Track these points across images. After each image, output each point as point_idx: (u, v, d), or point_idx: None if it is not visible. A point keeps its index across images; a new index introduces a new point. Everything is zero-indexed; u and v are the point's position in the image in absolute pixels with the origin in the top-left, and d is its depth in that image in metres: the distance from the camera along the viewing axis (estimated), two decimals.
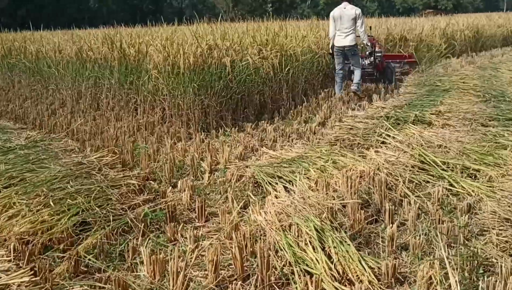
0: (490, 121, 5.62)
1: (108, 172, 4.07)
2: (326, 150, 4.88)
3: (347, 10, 7.70)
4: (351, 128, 5.85)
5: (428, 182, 3.93)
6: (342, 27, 7.70)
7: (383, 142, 5.18)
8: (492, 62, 11.92)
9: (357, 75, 7.95)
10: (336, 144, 5.34)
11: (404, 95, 7.95)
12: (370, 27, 9.53)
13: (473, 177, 4.01)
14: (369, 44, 8.41)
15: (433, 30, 12.96)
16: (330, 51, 8.15)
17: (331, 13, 7.88)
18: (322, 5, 76.59)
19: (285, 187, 3.93)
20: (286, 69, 7.47)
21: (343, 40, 7.73)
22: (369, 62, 8.94)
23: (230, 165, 4.78)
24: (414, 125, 5.65)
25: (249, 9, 62.53)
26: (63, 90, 8.65)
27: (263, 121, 6.73)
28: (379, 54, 8.98)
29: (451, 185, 3.83)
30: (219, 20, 9.28)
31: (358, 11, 7.68)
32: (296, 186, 3.85)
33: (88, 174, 3.85)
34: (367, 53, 8.86)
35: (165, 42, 6.92)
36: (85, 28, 18.73)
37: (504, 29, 17.55)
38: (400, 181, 3.83)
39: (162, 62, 6.43)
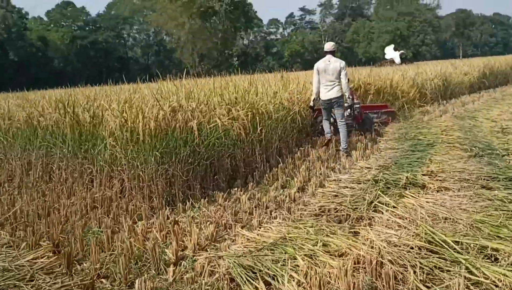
0: (490, 182, 5.03)
1: (43, 279, 3.20)
2: (312, 227, 4.16)
3: (331, 63, 7.72)
4: (336, 195, 5.18)
5: (441, 269, 3.23)
6: (327, 80, 7.72)
7: (375, 211, 4.53)
8: (466, 110, 11.68)
9: (343, 134, 7.75)
10: (322, 216, 4.64)
11: (386, 151, 7.40)
12: (349, 79, 9.15)
13: (493, 259, 3.34)
14: (350, 96, 8.32)
15: (403, 80, 12.72)
16: (311, 104, 8.23)
17: (316, 66, 7.88)
18: (287, 57, 78.45)
19: (269, 284, 3.17)
20: (259, 129, 6.82)
21: (329, 92, 7.73)
22: (348, 114, 8.63)
23: (200, 251, 3.99)
24: (406, 189, 5.03)
25: (215, 64, 63.11)
26: (12, 160, 7.77)
27: (236, 189, 6.02)
28: (358, 106, 8.90)
29: (470, 271, 3.14)
30: (183, 76, 8.71)
31: (343, 63, 7.73)
32: (283, 283, 3.09)
33: (15, 287, 3.00)
34: (346, 105, 8.46)
35: (123, 105, 6.21)
36: (46, 88, 18.00)
37: (471, 76, 17.64)
38: (409, 271, 3.12)
39: (119, 128, 5.70)
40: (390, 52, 16.78)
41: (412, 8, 74.05)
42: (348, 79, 8.82)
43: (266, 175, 6.65)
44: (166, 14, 62.08)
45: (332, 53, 7.85)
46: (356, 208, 4.71)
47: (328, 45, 7.99)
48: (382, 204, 4.64)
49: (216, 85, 8.15)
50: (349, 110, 8.62)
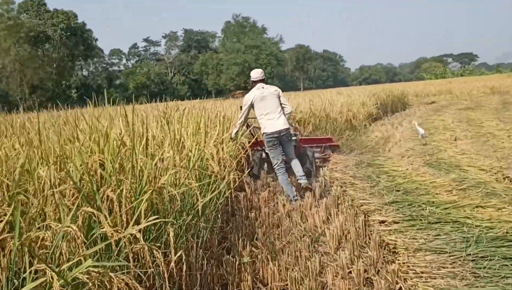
0: None
1: None
2: None
3: (266, 89, 6.32)
4: None
5: None
6: (269, 109, 6.19)
7: None
8: (422, 152, 8.67)
9: (297, 165, 6.29)
10: None
11: (423, 255, 3.64)
12: None
13: None
14: (293, 125, 7.23)
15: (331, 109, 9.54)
16: (233, 135, 6.34)
17: (248, 96, 6.33)
18: (132, 89, 72.79)
19: None
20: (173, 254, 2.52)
21: (276, 123, 6.13)
22: None
23: None
24: None
25: (50, 96, 54.96)
26: None
27: None
28: (295, 138, 6.99)
29: None
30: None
31: (277, 88, 6.45)
32: None
33: None
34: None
35: None
36: None
37: (370, 107, 15.15)
38: None
39: None
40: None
41: (258, 42, 74.91)
42: None
43: None
44: None
45: (263, 81, 6.39)
46: None
47: (256, 73, 6.46)
48: None
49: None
50: None
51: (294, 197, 5.91)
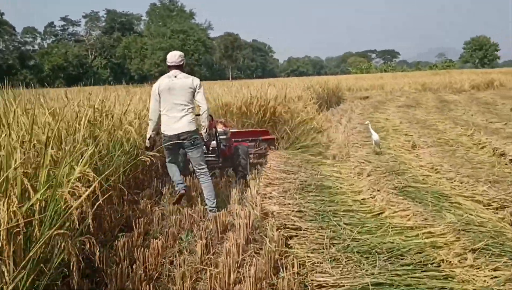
0: None
1: None
2: None
3: (179, 80, 5.08)
4: None
5: None
6: (174, 105, 5.04)
7: None
8: (379, 169, 6.59)
9: (207, 187, 5.09)
10: None
11: None
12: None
13: None
14: (207, 130, 5.34)
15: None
16: (147, 143, 5.25)
17: (155, 86, 5.15)
18: (47, 71, 66.79)
19: None
20: None
21: (177, 124, 5.00)
22: (211, 148, 5.91)
23: None
24: None
25: None
26: None
27: None
28: (225, 137, 6.27)
29: None
30: None
31: (197, 81, 5.12)
32: None
33: None
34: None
35: None
36: None
37: (309, 102, 12.98)
38: None
39: None
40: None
41: (186, 27, 71.54)
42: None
43: None
44: None
45: (180, 67, 5.10)
46: None
47: (173, 57, 5.12)
48: None
49: None
50: (213, 142, 6.01)
51: (180, 184, 5.12)
